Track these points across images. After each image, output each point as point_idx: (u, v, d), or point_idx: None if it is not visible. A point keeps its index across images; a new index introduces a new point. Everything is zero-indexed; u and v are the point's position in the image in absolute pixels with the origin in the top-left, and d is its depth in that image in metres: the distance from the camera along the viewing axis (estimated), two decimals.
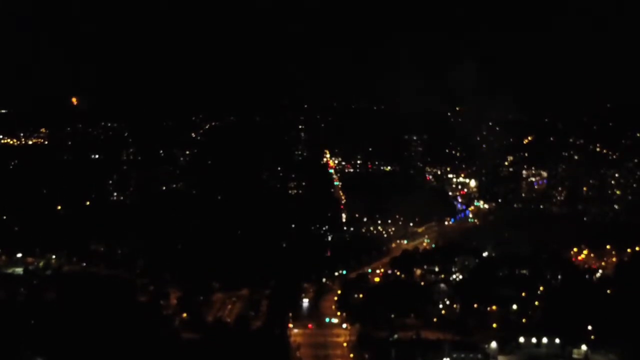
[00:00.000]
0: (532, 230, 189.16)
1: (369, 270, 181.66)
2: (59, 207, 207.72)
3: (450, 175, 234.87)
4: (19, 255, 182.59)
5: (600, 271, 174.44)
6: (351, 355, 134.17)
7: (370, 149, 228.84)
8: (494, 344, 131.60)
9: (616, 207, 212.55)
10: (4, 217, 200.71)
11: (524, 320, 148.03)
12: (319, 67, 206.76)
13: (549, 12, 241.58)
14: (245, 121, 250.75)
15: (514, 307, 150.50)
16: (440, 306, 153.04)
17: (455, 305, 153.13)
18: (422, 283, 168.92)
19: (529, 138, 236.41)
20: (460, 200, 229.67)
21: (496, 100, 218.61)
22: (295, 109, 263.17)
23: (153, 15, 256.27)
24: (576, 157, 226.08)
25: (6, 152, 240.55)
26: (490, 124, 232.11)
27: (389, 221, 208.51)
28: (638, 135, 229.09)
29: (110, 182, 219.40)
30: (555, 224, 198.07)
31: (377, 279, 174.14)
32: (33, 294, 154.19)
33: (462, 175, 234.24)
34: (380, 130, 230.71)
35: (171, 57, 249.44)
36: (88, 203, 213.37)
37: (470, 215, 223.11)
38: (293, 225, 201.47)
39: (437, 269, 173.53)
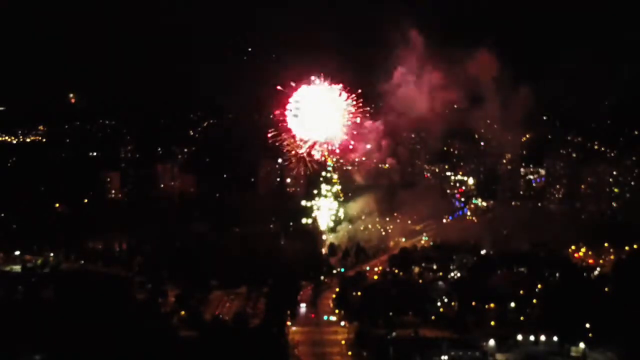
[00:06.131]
0: (530, 228, 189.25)
1: (367, 268, 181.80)
2: (57, 205, 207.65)
3: (448, 173, 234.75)
4: (17, 253, 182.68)
5: (598, 269, 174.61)
6: (349, 353, 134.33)
7: (368, 147, 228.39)
8: (492, 342, 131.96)
9: (614, 205, 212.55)
10: (2, 215, 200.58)
11: (522, 318, 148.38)
12: (317, 65, 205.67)
13: (547, 9, 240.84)
14: (243, 119, 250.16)
15: (512, 304, 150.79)
16: (439, 304, 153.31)
17: (453, 303, 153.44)
18: (420, 281, 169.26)
19: (527, 136, 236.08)
20: (458, 198, 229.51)
21: (495, 98, 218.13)
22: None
23: (151, 12, 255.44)
24: (574, 155, 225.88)
25: (4, 150, 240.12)
26: (488, 121, 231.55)
27: (387, 219, 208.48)
28: (636, 133, 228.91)
29: (108, 179, 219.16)
30: (553, 222, 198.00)
31: (375, 277, 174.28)
32: (31, 292, 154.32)
33: (460, 173, 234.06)
34: (378, 127, 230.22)
35: (169, 55, 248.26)
36: (86, 201, 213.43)
37: (469, 213, 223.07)
38: (291, 223, 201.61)
39: (435, 267, 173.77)
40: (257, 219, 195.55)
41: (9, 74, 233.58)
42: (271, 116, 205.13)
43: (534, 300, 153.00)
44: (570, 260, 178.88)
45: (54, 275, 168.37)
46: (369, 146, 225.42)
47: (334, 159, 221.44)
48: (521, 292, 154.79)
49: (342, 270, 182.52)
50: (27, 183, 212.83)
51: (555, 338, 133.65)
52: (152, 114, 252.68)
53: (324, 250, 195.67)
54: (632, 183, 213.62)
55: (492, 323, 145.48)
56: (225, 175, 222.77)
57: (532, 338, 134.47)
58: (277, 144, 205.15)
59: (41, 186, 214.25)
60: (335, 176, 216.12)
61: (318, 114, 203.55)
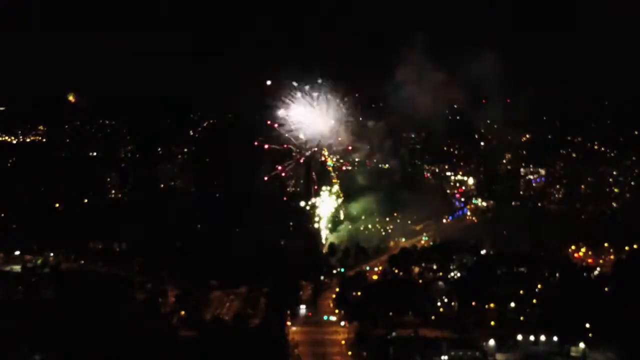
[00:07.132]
0: (530, 228, 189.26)
1: (367, 268, 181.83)
2: (57, 205, 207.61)
3: (448, 173, 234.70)
4: (17, 253, 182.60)
5: (598, 269, 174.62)
6: (349, 353, 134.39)
7: (368, 147, 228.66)
8: (492, 342, 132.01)
9: (614, 205, 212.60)
10: (2, 215, 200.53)
11: (522, 318, 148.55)
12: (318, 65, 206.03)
13: (547, 10, 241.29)
14: (243, 119, 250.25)
15: (512, 304, 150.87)
16: (439, 304, 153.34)
17: (453, 303, 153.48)
18: (420, 281, 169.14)
19: (527, 136, 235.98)
20: (458, 198, 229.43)
21: (495, 98, 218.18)
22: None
23: (151, 11, 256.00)
24: (574, 155, 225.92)
25: (4, 150, 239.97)
26: (488, 121, 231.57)
27: (387, 219, 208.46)
28: (636, 133, 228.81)
29: (109, 179, 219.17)
30: (553, 222, 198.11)
31: (375, 277, 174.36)
32: (31, 292, 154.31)
33: (460, 173, 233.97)
34: (378, 127, 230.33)
35: (169, 54, 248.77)
36: (86, 201, 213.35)
37: (468, 213, 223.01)
38: (291, 223, 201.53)
39: (435, 267, 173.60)
40: (257, 219, 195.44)
41: (9, 73, 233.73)
42: (271, 116, 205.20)
43: (534, 300, 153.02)
44: (570, 260, 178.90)
45: (54, 275, 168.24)
46: (369, 147, 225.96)
47: (335, 159, 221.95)
48: (521, 292, 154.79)
49: (342, 270, 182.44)
50: (27, 183, 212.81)
51: (555, 338, 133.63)
52: (152, 114, 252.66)
53: (324, 250, 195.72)
54: (632, 183, 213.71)
55: (492, 323, 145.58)
56: (225, 176, 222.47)
57: (532, 338, 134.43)
58: (277, 144, 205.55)
59: (41, 186, 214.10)
60: (335, 176, 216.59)
61: (319, 115, 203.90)
